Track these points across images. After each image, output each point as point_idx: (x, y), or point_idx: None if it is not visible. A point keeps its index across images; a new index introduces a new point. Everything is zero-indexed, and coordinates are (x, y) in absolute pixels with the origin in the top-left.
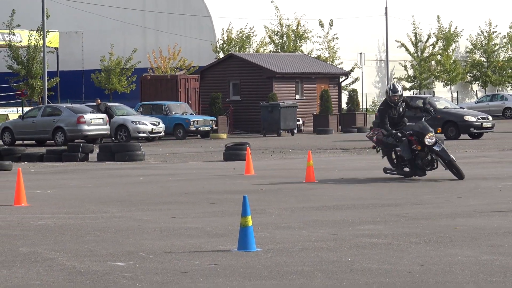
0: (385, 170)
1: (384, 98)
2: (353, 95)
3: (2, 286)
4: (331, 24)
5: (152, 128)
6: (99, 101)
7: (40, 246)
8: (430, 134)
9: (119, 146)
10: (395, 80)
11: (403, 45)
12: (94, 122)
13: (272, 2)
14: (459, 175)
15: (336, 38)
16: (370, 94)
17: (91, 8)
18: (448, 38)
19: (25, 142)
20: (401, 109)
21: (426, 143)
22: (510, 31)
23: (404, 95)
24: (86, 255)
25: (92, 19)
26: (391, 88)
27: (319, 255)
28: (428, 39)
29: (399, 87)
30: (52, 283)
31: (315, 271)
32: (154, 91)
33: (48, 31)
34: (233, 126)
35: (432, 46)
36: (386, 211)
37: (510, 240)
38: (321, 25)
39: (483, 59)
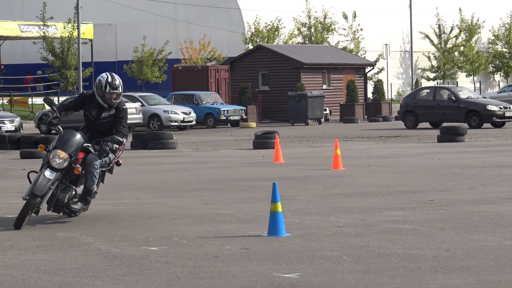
0: None
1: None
2: (378, 85)
3: (40, 270)
4: (354, 16)
5: (183, 117)
6: None
7: (76, 231)
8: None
9: (152, 134)
10: (419, 71)
11: (427, 36)
12: (128, 111)
13: None
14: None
15: (360, 29)
16: (394, 84)
17: (124, 1)
18: (470, 29)
19: None
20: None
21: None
22: None
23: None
24: (121, 240)
25: (125, 12)
26: (108, 80)
27: (347, 240)
28: (451, 30)
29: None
30: (89, 266)
31: (343, 255)
32: (185, 81)
33: (82, 23)
34: (262, 115)
35: (455, 37)
36: (411, 197)
37: None
38: (345, 17)
39: (505, 50)
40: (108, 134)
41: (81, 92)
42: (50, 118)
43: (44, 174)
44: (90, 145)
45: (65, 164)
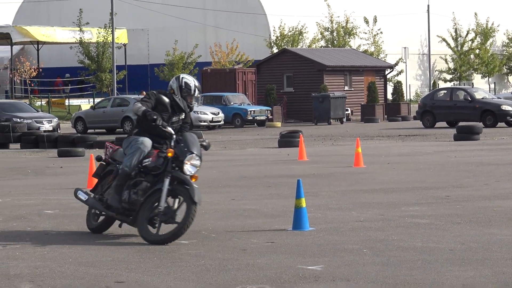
0: None
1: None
2: (397, 87)
3: (77, 262)
4: (375, 20)
5: (212, 117)
6: (144, 93)
7: (112, 226)
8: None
9: None
10: (437, 72)
11: (444, 40)
12: None
13: (325, 1)
14: None
15: (381, 33)
16: (413, 85)
17: (156, 7)
18: (485, 33)
19: (96, 130)
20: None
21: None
22: None
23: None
24: None
25: (156, 17)
26: (196, 84)
27: (367, 234)
28: (467, 34)
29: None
30: (123, 259)
31: (364, 248)
32: (214, 83)
33: (116, 29)
34: (287, 115)
35: (471, 40)
36: (429, 193)
37: None
38: (366, 22)
39: None
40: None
41: (152, 92)
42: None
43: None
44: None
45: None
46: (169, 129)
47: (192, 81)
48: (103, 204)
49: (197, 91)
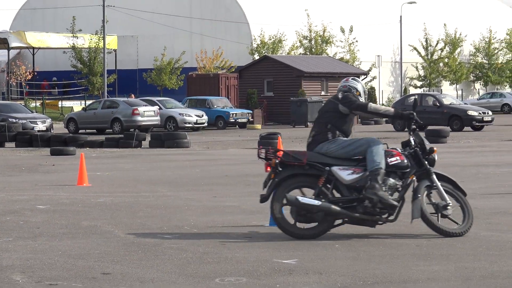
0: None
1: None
2: (371, 92)
3: (66, 254)
4: (351, 30)
5: (196, 119)
6: (132, 96)
7: (99, 221)
8: None
9: (168, 134)
10: (408, 79)
11: (415, 49)
12: (147, 114)
13: (306, 10)
14: None
15: (356, 42)
16: (385, 91)
17: (145, 15)
18: (454, 43)
19: (87, 130)
20: None
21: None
22: (506, 37)
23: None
24: (139, 229)
25: (146, 25)
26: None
27: (339, 230)
28: (437, 44)
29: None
30: (109, 252)
31: (336, 244)
32: (199, 88)
33: (107, 35)
34: (267, 118)
35: (440, 50)
36: None
37: (506, 219)
38: (342, 31)
39: (484, 61)
40: None
41: (354, 94)
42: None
43: None
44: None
45: None
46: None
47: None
48: (339, 206)
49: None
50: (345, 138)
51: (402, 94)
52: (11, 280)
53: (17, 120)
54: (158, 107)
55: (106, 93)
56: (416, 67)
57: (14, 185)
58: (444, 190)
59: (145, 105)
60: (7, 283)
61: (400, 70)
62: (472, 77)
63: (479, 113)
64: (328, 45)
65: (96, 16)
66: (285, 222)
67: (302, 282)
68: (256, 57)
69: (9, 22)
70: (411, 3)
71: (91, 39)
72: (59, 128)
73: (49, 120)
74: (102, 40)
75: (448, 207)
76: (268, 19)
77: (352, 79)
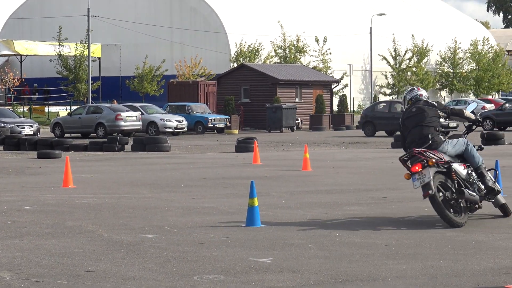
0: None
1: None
2: (342, 99)
3: (52, 253)
4: (325, 40)
5: (177, 125)
6: (115, 101)
7: (83, 221)
8: None
9: (150, 139)
10: (378, 87)
11: (384, 58)
12: (129, 119)
13: (278, 22)
14: None
15: (330, 53)
16: (356, 98)
17: (128, 25)
18: (421, 53)
19: (72, 135)
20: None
21: None
22: (470, 47)
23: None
24: (121, 228)
25: (128, 34)
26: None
27: (312, 231)
28: (405, 53)
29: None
30: (93, 251)
31: (309, 243)
32: (179, 94)
33: (91, 44)
34: (244, 123)
35: (408, 59)
36: (368, 195)
37: (469, 220)
38: (317, 41)
39: (450, 70)
40: None
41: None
42: None
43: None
44: None
45: None
46: None
47: None
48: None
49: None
50: (449, 140)
51: (372, 101)
52: None
53: (5, 124)
54: (140, 113)
55: (90, 99)
56: (386, 76)
57: (1, 186)
58: None
59: (128, 111)
60: None
61: (370, 78)
62: (438, 85)
63: (445, 119)
64: (302, 54)
65: (81, 26)
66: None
67: (277, 279)
68: (235, 65)
69: None
70: (380, 15)
71: (76, 47)
72: (46, 132)
73: (36, 125)
74: (87, 49)
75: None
76: (246, 30)
77: (419, 88)
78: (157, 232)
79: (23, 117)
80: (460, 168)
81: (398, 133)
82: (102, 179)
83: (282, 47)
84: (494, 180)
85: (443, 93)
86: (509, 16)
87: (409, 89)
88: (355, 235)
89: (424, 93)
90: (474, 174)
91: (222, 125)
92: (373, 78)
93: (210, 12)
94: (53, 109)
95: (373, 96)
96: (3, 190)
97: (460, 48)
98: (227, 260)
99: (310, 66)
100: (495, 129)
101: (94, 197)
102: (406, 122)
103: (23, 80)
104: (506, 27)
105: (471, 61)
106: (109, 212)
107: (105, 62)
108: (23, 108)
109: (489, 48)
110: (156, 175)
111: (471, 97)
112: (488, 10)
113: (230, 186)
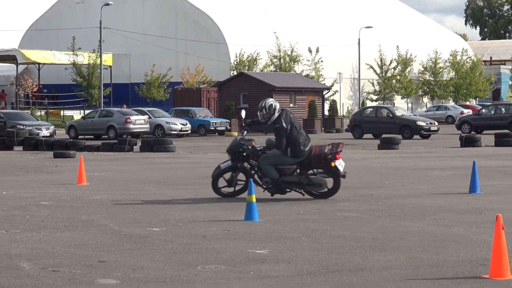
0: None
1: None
2: (333, 105)
3: (67, 245)
4: (317, 50)
5: (181, 127)
6: (125, 106)
7: (96, 215)
8: None
9: (156, 140)
10: (365, 94)
11: (371, 67)
12: (138, 122)
13: (274, 33)
14: None
15: (321, 62)
16: (345, 104)
17: (137, 36)
18: (405, 62)
19: (86, 136)
20: None
21: None
22: (450, 58)
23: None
24: (130, 222)
25: (137, 45)
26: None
27: (305, 225)
28: (390, 63)
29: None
30: (105, 242)
31: (302, 236)
32: (183, 99)
33: (103, 53)
34: (242, 126)
35: (393, 68)
36: (356, 192)
37: (449, 216)
38: (310, 51)
39: (431, 78)
40: None
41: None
42: None
43: None
44: None
45: None
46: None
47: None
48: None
49: (261, 109)
50: None
51: (360, 106)
52: (19, 267)
53: (24, 127)
54: (148, 116)
55: (102, 104)
56: (372, 83)
57: (21, 183)
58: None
59: (137, 115)
60: (15, 269)
61: (358, 86)
62: (420, 92)
63: (427, 123)
64: (296, 63)
65: (94, 37)
66: None
67: (273, 269)
68: (235, 73)
69: (18, 41)
70: (368, 27)
71: (89, 57)
72: (61, 134)
73: (52, 127)
74: (99, 58)
75: None
76: (244, 41)
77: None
78: (163, 226)
79: (41, 120)
80: None
81: (384, 135)
82: (113, 177)
83: (278, 57)
84: None
85: (425, 99)
86: (485, 29)
87: (271, 100)
88: (345, 229)
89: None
90: None
91: (223, 128)
92: (361, 86)
93: (212, 24)
94: (68, 112)
95: (361, 102)
96: (22, 187)
97: (440, 58)
98: (228, 252)
99: (303, 74)
100: (472, 132)
101: (106, 193)
102: (296, 124)
103: (41, 86)
104: (482, 39)
105: (451, 70)
106: (120, 207)
107: (116, 70)
108: (40, 111)
109: (467, 58)
110: (162, 173)
111: (451, 103)
112: (466, 24)
113: None
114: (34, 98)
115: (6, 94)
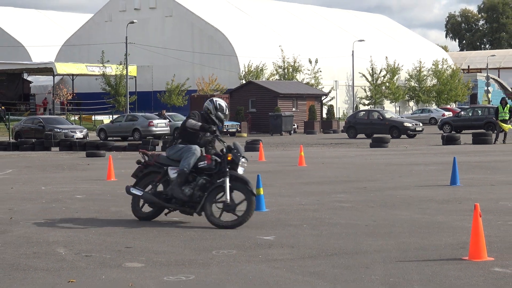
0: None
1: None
2: (330, 109)
3: (98, 233)
4: (316, 61)
5: None
6: (164, 111)
7: (124, 207)
8: None
9: None
10: (358, 99)
11: (363, 75)
12: (160, 125)
13: (279, 46)
14: None
15: (320, 71)
16: (341, 108)
17: (158, 50)
18: (393, 71)
19: (114, 138)
20: None
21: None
22: (432, 66)
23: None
24: None
25: (159, 57)
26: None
27: (306, 214)
28: (380, 71)
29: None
30: (131, 231)
31: (304, 224)
32: (199, 105)
33: (129, 65)
34: (251, 128)
35: (383, 76)
36: (351, 185)
37: (433, 205)
38: (310, 62)
39: (416, 85)
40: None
41: (196, 112)
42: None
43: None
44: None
45: None
46: (220, 137)
47: (223, 102)
48: (160, 198)
49: (227, 110)
50: (188, 145)
51: (354, 110)
52: (56, 253)
53: (60, 130)
54: (168, 120)
55: (128, 109)
56: (365, 90)
57: (57, 180)
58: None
59: (158, 119)
60: (53, 254)
61: (352, 92)
62: (407, 97)
63: (413, 124)
64: (298, 72)
65: (121, 51)
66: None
67: (279, 253)
68: (244, 81)
69: (54, 55)
70: (360, 41)
71: (116, 68)
72: (93, 136)
73: (85, 130)
74: (125, 69)
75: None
76: (252, 53)
77: (210, 100)
78: (182, 216)
79: (75, 124)
80: (171, 172)
81: (375, 135)
82: None
83: (282, 67)
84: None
85: (411, 103)
86: (463, 42)
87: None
88: (341, 218)
89: (210, 105)
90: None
91: (234, 130)
92: (354, 92)
93: (224, 39)
94: (98, 117)
95: (355, 106)
96: (58, 182)
97: (424, 67)
98: (239, 238)
99: (304, 82)
100: (453, 132)
101: None
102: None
103: (75, 95)
104: (461, 50)
105: (433, 77)
106: None
107: (140, 79)
108: (74, 116)
109: (447, 67)
110: None
111: (434, 106)
112: (446, 37)
113: None
114: (62, 104)
115: (48, 101)
